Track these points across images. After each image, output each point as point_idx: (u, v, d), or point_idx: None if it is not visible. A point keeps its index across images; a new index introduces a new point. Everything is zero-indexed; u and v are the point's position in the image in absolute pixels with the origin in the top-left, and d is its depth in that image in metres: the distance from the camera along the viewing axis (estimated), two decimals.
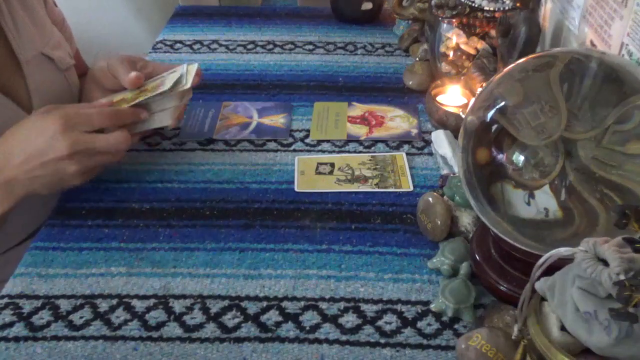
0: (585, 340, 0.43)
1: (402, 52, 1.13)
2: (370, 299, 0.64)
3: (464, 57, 0.93)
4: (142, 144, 0.88)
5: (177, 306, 0.63)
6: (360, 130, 0.90)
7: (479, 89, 0.67)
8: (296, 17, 1.27)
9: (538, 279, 0.47)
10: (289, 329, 0.61)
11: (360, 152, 0.86)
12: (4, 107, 0.76)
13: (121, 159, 0.77)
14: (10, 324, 0.61)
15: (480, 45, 0.91)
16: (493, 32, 0.91)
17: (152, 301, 0.64)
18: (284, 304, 0.63)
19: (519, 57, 0.76)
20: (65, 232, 0.73)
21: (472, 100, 0.65)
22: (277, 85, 1.02)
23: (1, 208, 0.69)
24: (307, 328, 0.61)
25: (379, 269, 0.67)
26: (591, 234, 0.55)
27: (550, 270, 0.46)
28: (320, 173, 0.82)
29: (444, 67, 0.95)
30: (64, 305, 0.64)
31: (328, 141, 0.88)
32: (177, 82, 0.79)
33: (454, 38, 0.92)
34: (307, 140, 0.88)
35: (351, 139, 0.88)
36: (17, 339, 0.60)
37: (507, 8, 0.88)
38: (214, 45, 1.16)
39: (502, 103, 0.59)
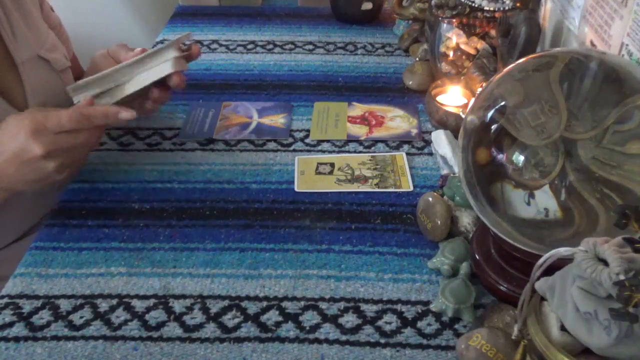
0: (585, 340, 0.43)
1: (402, 52, 1.13)
2: (370, 299, 0.64)
3: (464, 57, 0.93)
4: (142, 144, 0.88)
5: (177, 306, 0.63)
6: (360, 130, 0.90)
7: (479, 89, 0.67)
8: (296, 17, 1.27)
9: (538, 279, 0.47)
10: (289, 329, 0.61)
11: (360, 152, 0.86)
12: (0, 109, 0.76)
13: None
14: (10, 324, 0.61)
15: (480, 45, 0.91)
16: (493, 32, 0.91)
17: (152, 301, 0.64)
18: (284, 304, 0.63)
19: (519, 57, 0.76)
20: (65, 232, 0.73)
21: (472, 100, 0.65)
22: (277, 85, 1.02)
23: None
24: (307, 328, 0.61)
25: (379, 269, 0.67)
26: (591, 234, 0.55)
27: (550, 270, 0.46)
28: (320, 173, 0.82)
29: (444, 67, 0.95)
30: (64, 305, 0.64)
31: (328, 141, 0.88)
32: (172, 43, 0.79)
33: (454, 38, 0.92)
34: (307, 140, 0.88)
35: (351, 139, 0.88)
36: (17, 339, 0.60)
37: (507, 8, 0.88)
38: (214, 45, 1.16)
39: (502, 103, 0.59)
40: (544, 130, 0.56)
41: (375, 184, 0.79)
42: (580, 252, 0.43)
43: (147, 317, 0.62)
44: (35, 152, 0.67)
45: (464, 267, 0.65)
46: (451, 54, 0.93)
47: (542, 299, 0.48)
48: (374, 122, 0.92)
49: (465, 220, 0.69)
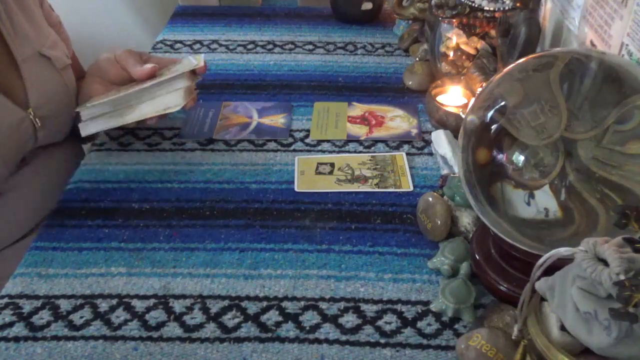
0: (585, 340, 0.43)
1: (402, 52, 1.13)
2: (370, 299, 0.64)
3: (464, 57, 0.93)
4: (142, 144, 0.88)
5: (177, 306, 0.63)
6: (360, 130, 0.90)
7: (479, 89, 0.67)
8: (296, 17, 1.27)
9: (538, 279, 0.47)
10: (289, 329, 0.61)
11: (360, 152, 0.86)
12: (1, 106, 0.76)
13: None
14: (10, 324, 0.61)
15: (480, 45, 0.91)
16: (493, 32, 0.90)
17: (152, 301, 0.64)
18: (284, 304, 0.63)
19: (519, 57, 0.76)
20: (65, 232, 0.73)
21: (472, 100, 0.65)
22: (277, 85, 1.02)
23: None
24: (307, 328, 0.61)
25: (379, 269, 0.67)
26: (591, 234, 0.55)
27: (550, 270, 0.46)
28: (320, 173, 0.82)
29: (444, 67, 0.95)
30: (64, 305, 0.64)
31: (328, 141, 0.88)
32: (186, 66, 0.80)
33: (454, 38, 0.92)
34: (307, 140, 0.88)
35: (351, 139, 0.88)
36: (17, 339, 0.60)
37: (507, 8, 0.87)
38: (214, 45, 1.16)
39: (502, 103, 0.59)
40: (544, 130, 0.56)
41: (375, 184, 0.79)
42: (580, 252, 0.43)
43: (147, 317, 0.62)
44: None
45: (464, 267, 0.65)
46: (451, 54, 0.93)
47: (542, 299, 0.48)
48: (374, 122, 0.92)
49: (465, 220, 0.69)
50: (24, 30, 0.80)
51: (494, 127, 0.59)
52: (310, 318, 0.62)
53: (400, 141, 0.88)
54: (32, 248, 0.70)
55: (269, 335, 0.60)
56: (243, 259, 0.69)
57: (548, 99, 0.57)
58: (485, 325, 0.58)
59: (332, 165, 0.83)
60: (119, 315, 0.62)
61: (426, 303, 0.63)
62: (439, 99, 0.89)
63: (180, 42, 1.17)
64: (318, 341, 0.60)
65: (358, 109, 0.96)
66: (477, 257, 0.64)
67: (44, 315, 0.62)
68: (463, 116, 0.80)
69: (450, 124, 0.85)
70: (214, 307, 0.63)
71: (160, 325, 0.61)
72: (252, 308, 0.63)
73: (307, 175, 0.81)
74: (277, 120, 0.93)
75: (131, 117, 0.80)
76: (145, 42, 1.48)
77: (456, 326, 0.61)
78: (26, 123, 0.78)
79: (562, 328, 0.45)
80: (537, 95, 0.58)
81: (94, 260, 0.69)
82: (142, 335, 0.60)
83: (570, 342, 0.44)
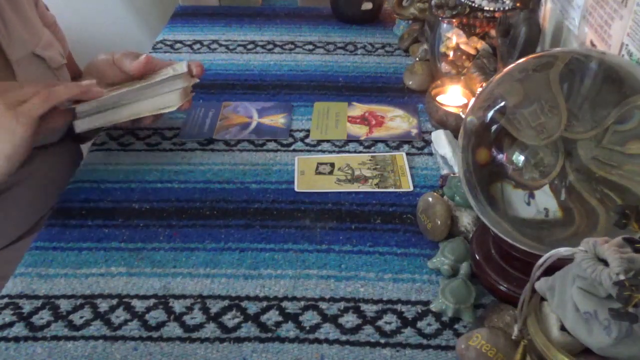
0: (585, 340, 0.43)
1: (402, 52, 1.13)
2: (370, 299, 0.64)
3: (464, 57, 0.93)
4: (142, 144, 0.88)
5: (177, 306, 0.63)
6: (360, 130, 0.90)
7: (479, 89, 0.67)
8: (296, 17, 1.27)
9: (538, 279, 0.47)
10: (289, 329, 0.61)
11: (360, 152, 0.86)
12: None
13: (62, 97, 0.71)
14: (10, 324, 0.61)
15: (480, 45, 0.91)
16: (493, 32, 0.91)
17: (152, 301, 0.64)
18: (284, 304, 0.63)
19: (519, 57, 0.76)
20: (65, 232, 0.73)
21: (472, 100, 0.65)
22: (277, 85, 1.02)
23: None
24: (307, 328, 0.61)
25: (379, 269, 0.67)
26: (591, 234, 0.55)
27: (550, 270, 0.46)
28: (320, 173, 0.82)
29: (444, 67, 0.95)
30: (64, 305, 0.64)
31: (328, 141, 0.88)
32: (177, 70, 0.80)
33: (454, 38, 0.92)
34: (307, 140, 0.88)
35: (351, 139, 0.88)
36: (17, 339, 0.60)
37: (507, 8, 0.87)
38: (214, 45, 1.16)
39: (502, 103, 0.59)
40: (544, 130, 0.56)
41: (375, 184, 0.79)
42: (580, 252, 0.43)
43: (147, 317, 0.62)
44: None
45: (464, 267, 0.65)
46: (451, 54, 0.93)
47: (542, 299, 0.48)
48: (374, 122, 0.92)
49: (465, 220, 0.69)
50: (17, 32, 0.80)
51: (494, 127, 0.59)
52: (310, 318, 0.62)
53: (400, 141, 0.88)
54: (32, 248, 0.70)
55: (269, 335, 0.60)
56: (243, 259, 0.69)
57: (548, 99, 0.57)
58: (485, 325, 0.58)
59: (332, 165, 0.83)
60: (119, 315, 0.62)
61: (426, 303, 0.63)
62: (439, 99, 0.89)
63: (180, 42, 1.17)
64: (318, 341, 0.60)
65: (358, 109, 0.96)
66: (477, 257, 0.64)
67: (44, 315, 0.62)
68: (463, 116, 0.80)
69: (450, 124, 0.85)
70: (214, 307, 0.63)
71: (160, 325, 0.61)
72: (252, 308, 0.63)
73: (307, 175, 0.81)
74: (277, 120, 0.93)
75: (126, 114, 0.80)
76: (145, 42, 1.48)
77: (456, 326, 0.61)
78: None
79: (562, 328, 0.45)
80: (537, 95, 0.58)
81: (94, 260, 0.69)
82: (142, 335, 0.60)
83: (570, 342, 0.44)
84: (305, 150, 0.87)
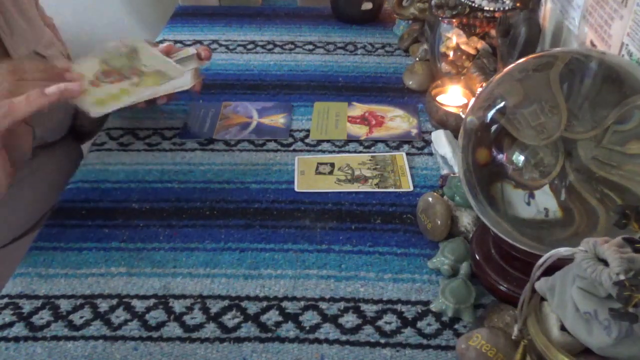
0: (585, 340, 0.43)
1: (402, 52, 1.13)
2: (370, 299, 0.64)
3: (464, 57, 0.93)
4: (142, 144, 0.88)
5: (177, 306, 0.63)
6: (360, 130, 0.90)
7: (479, 89, 0.67)
8: (296, 17, 1.27)
9: (538, 279, 0.47)
10: (289, 329, 0.61)
11: (360, 152, 0.86)
12: None
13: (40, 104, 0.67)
14: (10, 324, 0.61)
15: (480, 45, 0.91)
16: (493, 32, 0.90)
17: (152, 301, 0.64)
18: (284, 304, 0.63)
19: (519, 57, 0.76)
20: (65, 232, 0.73)
21: (472, 100, 0.65)
22: (277, 85, 1.02)
23: None
24: (307, 328, 0.61)
25: (379, 269, 0.67)
26: (591, 234, 0.55)
27: (550, 270, 0.46)
28: (320, 173, 0.82)
29: (444, 67, 0.95)
30: (64, 305, 0.64)
31: (328, 141, 0.88)
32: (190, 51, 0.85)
33: (454, 38, 0.92)
34: (307, 140, 0.88)
35: (351, 139, 0.88)
36: (17, 339, 0.60)
37: (507, 8, 0.87)
38: (214, 45, 1.16)
39: (502, 103, 0.59)
40: (544, 130, 0.56)
41: (375, 184, 0.79)
42: (580, 252, 0.43)
43: (147, 317, 0.62)
44: None
45: (464, 267, 0.65)
46: (451, 54, 0.93)
47: (542, 299, 0.48)
48: (374, 122, 0.92)
49: (465, 220, 0.69)
50: (20, 29, 0.80)
51: (494, 127, 0.59)
52: (310, 318, 0.62)
53: (400, 141, 0.88)
54: (32, 248, 0.70)
55: (269, 335, 0.60)
56: (243, 259, 0.69)
57: (548, 99, 0.57)
58: (485, 325, 0.58)
59: (332, 165, 0.83)
60: (119, 315, 0.62)
61: (426, 303, 0.63)
62: (439, 99, 0.89)
63: (180, 42, 1.17)
64: (318, 341, 0.60)
65: (358, 109, 0.96)
66: (477, 257, 0.64)
67: (44, 315, 0.62)
68: (463, 116, 0.80)
69: (450, 124, 0.85)
70: (214, 307, 0.63)
71: (160, 325, 0.61)
72: (252, 308, 0.63)
73: (307, 175, 0.81)
74: (277, 120, 0.93)
75: (142, 96, 0.80)
76: None
77: (456, 326, 0.61)
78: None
79: (562, 328, 0.45)
80: (537, 95, 0.58)
81: (94, 260, 0.69)
82: (142, 335, 0.60)
83: (570, 342, 0.44)
84: (305, 150, 0.87)
